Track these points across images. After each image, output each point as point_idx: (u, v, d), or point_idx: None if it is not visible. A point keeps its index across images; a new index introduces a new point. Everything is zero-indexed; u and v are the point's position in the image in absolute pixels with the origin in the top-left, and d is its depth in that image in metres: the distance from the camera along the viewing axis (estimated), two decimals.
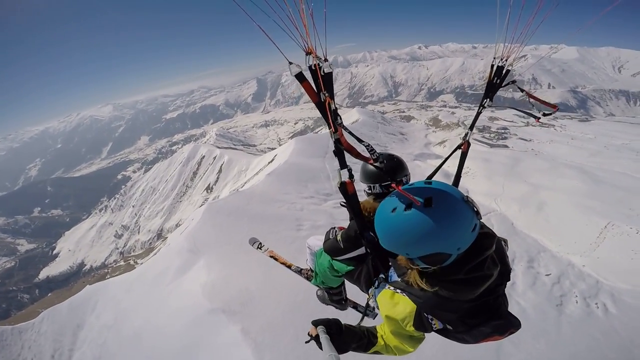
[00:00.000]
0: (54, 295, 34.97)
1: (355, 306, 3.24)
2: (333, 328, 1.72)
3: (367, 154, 1.73)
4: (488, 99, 2.27)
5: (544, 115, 2.33)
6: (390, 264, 1.73)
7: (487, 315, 1.43)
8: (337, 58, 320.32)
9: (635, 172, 29.13)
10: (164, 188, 68.01)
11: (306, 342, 1.74)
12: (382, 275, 1.79)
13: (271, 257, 3.91)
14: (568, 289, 14.27)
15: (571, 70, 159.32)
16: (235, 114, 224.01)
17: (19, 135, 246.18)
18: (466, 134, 2.40)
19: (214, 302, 10.24)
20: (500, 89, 2.22)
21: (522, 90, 2.30)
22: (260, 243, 4.25)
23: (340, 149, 1.56)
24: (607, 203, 23.24)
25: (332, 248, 2.23)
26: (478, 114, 2.38)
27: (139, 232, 62.41)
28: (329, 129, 1.48)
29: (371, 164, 1.78)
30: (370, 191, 2.28)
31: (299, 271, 3.57)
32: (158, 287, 12.71)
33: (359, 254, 2.14)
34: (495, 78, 2.18)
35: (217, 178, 55.94)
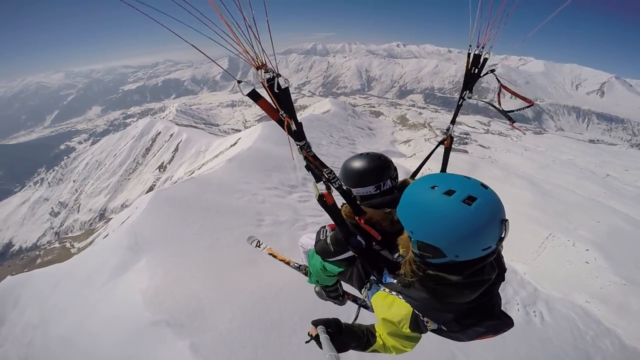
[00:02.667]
0: None
1: (355, 300, 3.12)
2: (333, 327, 1.70)
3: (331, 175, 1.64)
4: (468, 91, 2.23)
5: (507, 112, 2.28)
6: (382, 265, 1.73)
7: (482, 316, 1.43)
8: (317, 46, 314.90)
9: (577, 188, 31.67)
10: (111, 163, 62.08)
11: (306, 342, 1.73)
12: (373, 277, 1.81)
13: (270, 254, 3.88)
14: (511, 297, 14.70)
15: (535, 82, 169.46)
16: (200, 90, 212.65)
17: None
18: (448, 128, 2.42)
19: (157, 313, 8.85)
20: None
21: (499, 82, 2.27)
22: (259, 241, 4.13)
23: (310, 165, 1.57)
24: (550, 215, 24.88)
25: (322, 250, 2.15)
26: (459, 106, 2.38)
27: (78, 211, 56.27)
28: (297, 146, 1.47)
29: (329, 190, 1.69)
30: (354, 194, 2.13)
31: (298, 267, 3.51)
32: (90, 288, 11.11)
33: (349, 256, 2.08)
34: (473, 68, 2.14)
35: (172, 157, 52.33)
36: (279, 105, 1.33)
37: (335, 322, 1.74)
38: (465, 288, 1.34)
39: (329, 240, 2.03)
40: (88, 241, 26.26)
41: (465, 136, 57.46)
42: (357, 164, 2.05)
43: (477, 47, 2.02)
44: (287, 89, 1.32)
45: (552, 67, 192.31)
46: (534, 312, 13.93)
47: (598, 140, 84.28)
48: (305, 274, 3.29)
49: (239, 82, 1.25)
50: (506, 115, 2.32)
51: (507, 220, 1.21)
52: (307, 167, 1.59)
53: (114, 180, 58.05)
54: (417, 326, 1.44)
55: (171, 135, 57.51)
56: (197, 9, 1.04)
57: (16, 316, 11.66)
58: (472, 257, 1.24)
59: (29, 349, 10.09)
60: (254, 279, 9.78)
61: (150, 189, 47.52)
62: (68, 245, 29.62)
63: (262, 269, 10.02)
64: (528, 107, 2.34)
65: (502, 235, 1.20)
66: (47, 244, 38.61)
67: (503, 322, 1.46)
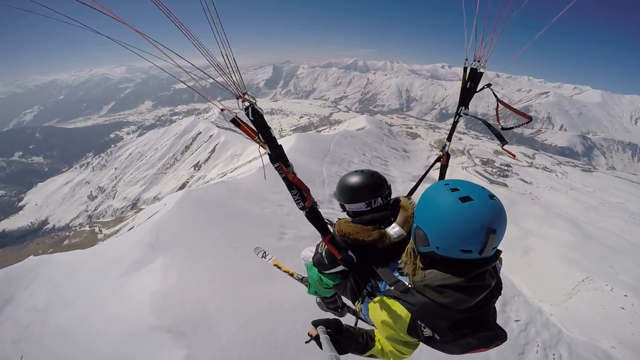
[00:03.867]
0: (2, 253, 32.84)
1: (355, 312, 2.89)
2: (333, 328, 1.72)
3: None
4: (463, 107, 2.23)
5: (503, 129, 2.22)
6: (377, 275, 1.77)
7: (476, 327, 1.45)
8: (357, 61, 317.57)
9: (625, 233, 30.23)
10: (152, 156, 65.13)
11: (306, 342, 1.75)
12: (365, 291, 1.85)
13: (275, 265, 3.93)
14: (532, 338, 14.35)
15: (589, 114, 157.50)
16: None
17: (26, 82, 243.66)
18: (444, 146, 2.42)
19: (161, 318, 8.51)
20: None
21: (495, 96, 2.24)
22: (265, 252, 4.19)
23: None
24: (590, 258, 23.99)
25: (318, 262, 2.15)
26: (455, 123, 2.39)
27: (113, 198, 59.16)
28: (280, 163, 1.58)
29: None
30: (343, 209, 2.21)
31: (301, 279, 3.55)
32: (103, 281, 11.09)
33: (343, 269, 2.08)
34: (469, 82, 2.14)
35: (209, 157, 53.76)
36: (257, 130, 1.47)
37: (336, 323, 1.75)
38: (468, 291, 1.35)
39: (324, 254, 2.04)
40: (115, 229, 27.05)
41: (506, 168, 53.51)
42: (351, 180, 2.10)
43: (474, 60, 2.04)
44: (261, 115, 1.45)
45: (610, 97, 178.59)
46: (554, 354, 13.63)
47: None
48: (307, 286, 3.27)
49: (222, 110, 1.39)
50: (498, 135, 2.24)
51: (494, 230, 1.24)
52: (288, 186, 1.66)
53: (151, 173, 60.70)
54: (415, 331, 1.45)
55: (210, 136, 59.31)
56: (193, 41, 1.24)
57: (25, 297, 12.00)
58: (451, 255, 1.32)
59: (25, 332, 10.22)
60: (266, 294, 9.48)
61: (183, 185, 48.63)
62: (96, 230, 30.71)
63: (276, 284, 9.69)
64: (526, 123, 2.25)
65: (485, 245, 1.25)
66: (79, 226, 40.48)
67: (497, 335, 1.47)
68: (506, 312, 15.82)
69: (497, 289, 1.54)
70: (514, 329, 14.77)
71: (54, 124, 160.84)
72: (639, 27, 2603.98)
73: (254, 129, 1.45)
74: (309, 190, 1.66)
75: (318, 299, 3.22)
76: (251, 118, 1.41)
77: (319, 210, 1.72)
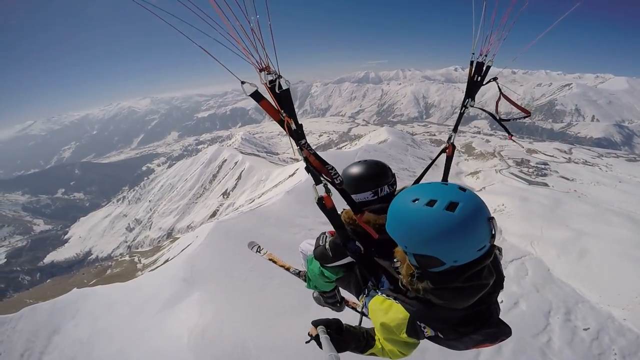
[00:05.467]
0: (52, 283, 34.89)
1: (354, 307, 3.11)
2: (333, 328, 1.71)
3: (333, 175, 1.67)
4: (470, 99, 2.26)
5: (502, 120, 2.38)
6: (379, 271, 1.75)
7: (479, 324, 1.42)
8: (369, 74, 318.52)
9: None
10: (182, 187, 67.95)
11: (306, 342, 1.72)
12: (370, 283, 1.80)
13: (270, 259, 3.94)
14: (607, 346, 13.56)
15: (619, 102, 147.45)
16: (263, 119, 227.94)
17: (62, 118, 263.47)
18: (450, 137, 2.41)
19: (201, 357, 8.50)
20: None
21: (499, 90, 2.30)
22: (259, 246, 4.20)
23: (310, 167, 1.58)
24: None
25: (321, 255, 2.11)
26: (461, 114, 2.40)
27: (150, 228, 61.87)
28: (296, 146, 1.52)
29: (336, 187, 1.70)
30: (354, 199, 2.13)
31: (297, 273, 3.48)
32: (141, 316, 11.43)
33: (347, 262, 2.03)
34: (476, 76, 2.17)
35: (236, 184, 55.14)
36: (280, 105, 1.36)
37: (336, 322, 1.74)
38: (463, 292, 1.33)
39: (327, 246, 2.01)
40: (153, 259, 28.05)
41: (543, 167, 50.45)
42: (355, 170, 2.07)
43: (480, 54, 2.06)
44: (287, 90, 1.34)
45: (637, 83, 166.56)
46: None
47: None
48: (305, 280, 3.19)
49: (242, 82, 1.27)
50: (504, 127, 2.35)
51: (493, 217, 1.26)
52: (307, 169, 1.59)
53: (182, 203, 63.11)
54: (414, 332, 1.44)
55: (235, 163, 61.15)
56: (203, 10, 1.08)
57: (70, 328, 12.55)
58: (470, 259, 1.27)
59: None
60: (304, 326, 8.93)
61: (214, 213, 49.90)
62: (136, 260, 32.03)
63: (314, 314, 9.20)
64: (525, 117, 2.31)
65: (493, 232, 1.25)
66: (119, 256, 42.37)
67: (501, 331, 1.46)
68: (571, 321, 14.93)
69: (499, 283, 1.49)
70: (583, 338, 13.90)
71: (90, 159, 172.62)
72: None
73: (277, 104, 1.36)
74: (329, 172, 1.61)
75: (315, 294, 3.14)
76: (277, 92, 1.32)
77: (332, 201, 1.67)
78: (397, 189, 2.13)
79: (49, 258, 60.98)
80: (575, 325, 14.77)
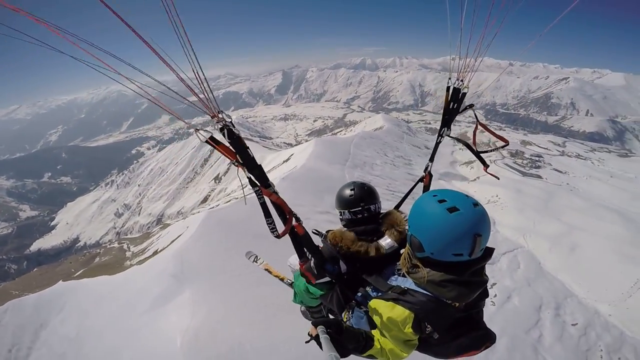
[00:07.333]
0: (38, 272, 33.77)
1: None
2: (333, 328, 1.73)
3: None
4: (446, 128, 2.27)
5: (479, 153, 2.32)
6: (368, 284, 1.87)
7: (470, 326, 1.58)
8: (366, 60, 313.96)
9: None
10: (172, 171, 66.56)
11: (306, 342, 1.75)
12: (354, 301, 1.89)
13: (266, 270, 3.96)
14: (594, 342, 13.87)
15: (614, 97, 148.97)
16: (257, 103, 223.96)
17: (48, 102, 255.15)
18: (427, 167, 2.51)
19: None
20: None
21: (476, 118, 2.28)
22: (256, 256, 4.22)
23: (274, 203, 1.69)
24: None
25: (307, 272, 2.19)
26: (437, 144, 2.45)
27: (139, 214, 60.71)
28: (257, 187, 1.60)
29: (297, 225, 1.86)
30: (341, 217, 2.33)
31: (290, 284, 3.51)
32: (130, 314, 10.93)
33: (329, 280, 2.13)
34: (452, 103, 2.16)
35: (228, 169, 54.06)
36: (235, 151, 1.45)
37: (336, 323, 1.76)
38: (469, 286, 1.46)
39: (312, 264, 2.06)
40: (142, 247, 27.15)
41: (537, 159, 50.51)
42: (345, 190, 2.28)
43: (457, 80, 2.09)
44: (238, 136, 1.42)
45: (633, 79, 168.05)
46: (619, 358, 13.20)
47: None
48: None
49: (196, 130, 1.32)
50: (481, 158, 2.29)
51: (480, 235, 1.39)
52: (252, 184, 1.67)
53: (172, 188, 61.83)
54: (419, 327, 1.54)
55: None
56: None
57: (57, 324, 12.18)
58: (444, 258, 1.45)
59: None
60: (303, 325, 8.46)
61: (205, 199, 48.87)
62: (125, 247, 31.02)
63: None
64: (503, 147, 2.39)
65: (473, 248, 1.39)
66: (108, 243, 41.45)
67: (487, 335, 1.59)
68: (560, 316, 15.17)
69: (485, 291, 1.61)
70: (572, 334, 14.09)
71: (78, 142, 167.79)
72: None
73: (232, 149, 1.42)
74: (291, 212, 1.70)
75: (303, 308, 3.18)
76: (228, 140, 1.37)
77: (304, 228, 1.74)
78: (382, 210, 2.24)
79: (36, 246, 59.61)
80: (564, 320, 14.95)
